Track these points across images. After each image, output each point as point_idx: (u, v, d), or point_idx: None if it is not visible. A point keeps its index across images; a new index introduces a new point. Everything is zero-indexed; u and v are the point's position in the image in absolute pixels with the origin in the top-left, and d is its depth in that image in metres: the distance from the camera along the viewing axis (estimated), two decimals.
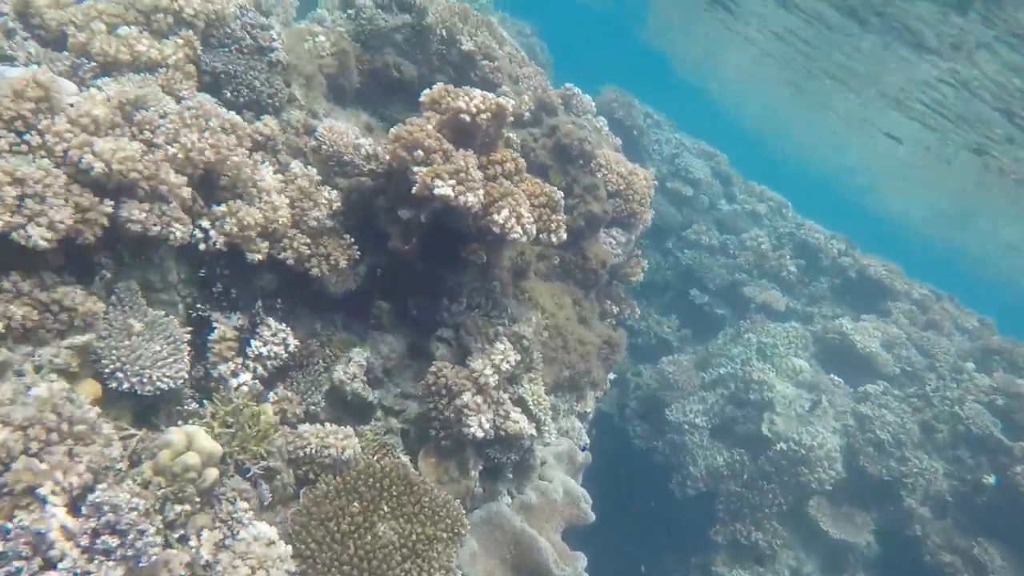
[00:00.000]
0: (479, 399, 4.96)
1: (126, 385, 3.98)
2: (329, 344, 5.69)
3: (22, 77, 4.04)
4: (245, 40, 6.28)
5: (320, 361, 5.57)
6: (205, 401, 4.58)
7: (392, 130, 5.17)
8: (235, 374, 4.96)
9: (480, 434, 4.95)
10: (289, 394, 5.11)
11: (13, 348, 3.57)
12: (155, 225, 4.21)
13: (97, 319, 4.02)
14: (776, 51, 21.39)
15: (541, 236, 5.10)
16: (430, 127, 4.97)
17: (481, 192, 4.78)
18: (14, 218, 3.48)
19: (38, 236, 3.53)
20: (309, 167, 5.44)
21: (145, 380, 4.06)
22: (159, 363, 4.17)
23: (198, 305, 4.94)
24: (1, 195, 3.44)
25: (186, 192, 4.44)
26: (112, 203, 4.05)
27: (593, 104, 10.15)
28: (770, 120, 37.48)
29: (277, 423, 4.68)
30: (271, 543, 3.72)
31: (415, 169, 4.82)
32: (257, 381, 5.04)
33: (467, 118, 4.96)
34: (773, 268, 15.07)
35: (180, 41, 5.56)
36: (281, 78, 6.47)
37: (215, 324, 4.94)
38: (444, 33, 8.45)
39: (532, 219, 4.93)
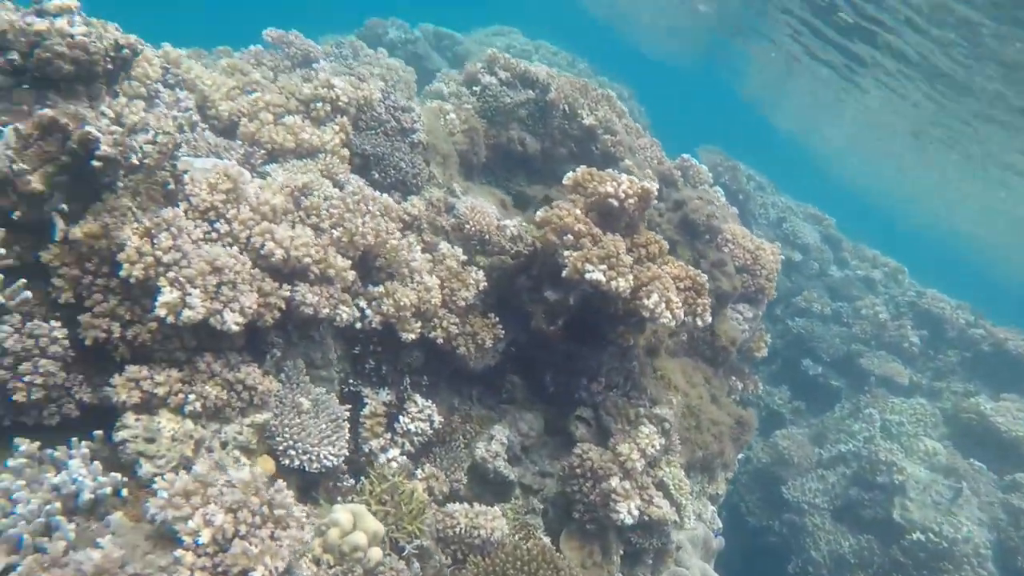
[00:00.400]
0: (627, 484, 4.92)
1: (297, 462, 4.14)
2: (469, 420, 5.78)
3: (215, 171, 4.35)
4: (390, 123, 6.59)
5: (461, 437, 5.66)
6: (362, 478, 4.70)
7: (539, 214, 5.30)
8: (384, 450, 5.09)
9: (629, 520, 4.90)
10: (435, 471, 5.19)
11: (206, 425, 3.77)
12: (325, 308, 4.41)
13: (271, 397, 4.21)
14: (896, 108, 20.89)
15: (686, 320, 5.08)
16: (577, 211, 5.07)
17: (631, 276, 4.82)
18: (213, 304, 3.71)
19: (232, 321, 3.75)
20: (455, 247, 5.61)
21: (313, 458, 4.21)
22: (324, 441, 4.32)
23: (350, 380, 5.12)
24: (204, 284, 3.67)
25: (351, 275, 4.64)
26: (288, 287, 4.27)
27: (710, 174, 10.16)
28: (880, 180, 36.41)
29: (429, 501, 4.75)
30: None
31: (566, 253, 4.91)
32: (405, 457, 5.16)
33: (615, 203, 5.05)
34: (893, 339, 14.46)
35: (336, 127, 5.88)
36: (421, 157, 6.75)
37: (366, 400, 5.10)
38: (566, 108, 8.65)
39: (679, 303, 4.94)
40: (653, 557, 5.53)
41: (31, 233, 3.61)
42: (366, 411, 5.03)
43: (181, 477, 3.04)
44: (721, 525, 6.64)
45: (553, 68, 9.57)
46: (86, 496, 3.14)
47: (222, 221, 4.26)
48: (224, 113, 6.04)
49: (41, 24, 3.42)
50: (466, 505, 4.93)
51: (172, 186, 4.22)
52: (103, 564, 2.69)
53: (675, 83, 47.57)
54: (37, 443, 3.34)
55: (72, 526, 3.03)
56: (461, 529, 4.77)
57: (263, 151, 5.57)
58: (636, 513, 4.93)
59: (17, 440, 3.34)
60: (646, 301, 4.82)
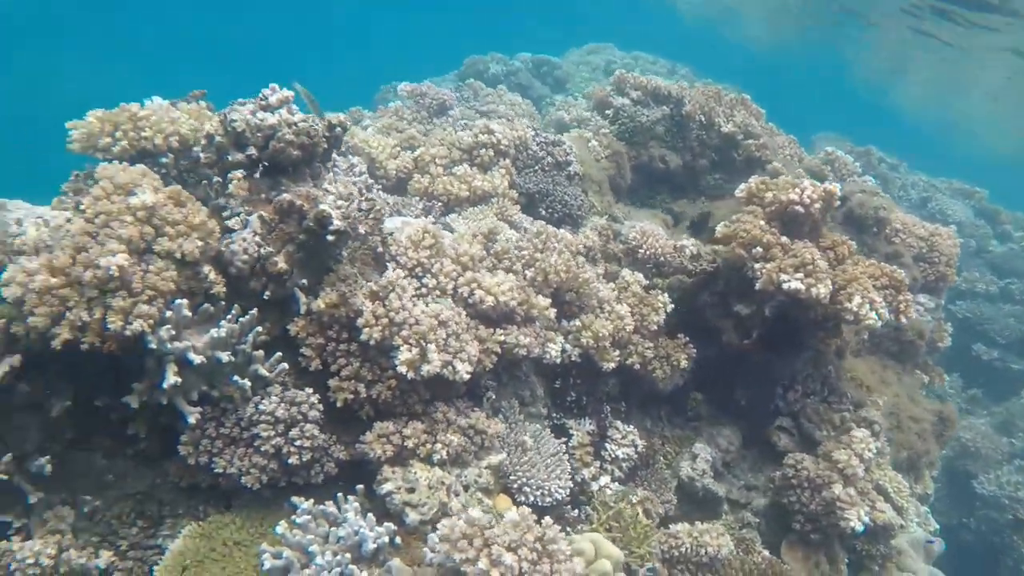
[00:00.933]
0: (851, 491, 4.82)
1: (532, 498, 4.29)
2: (668, 441, 5.82)
3: (416, 228, 4.61)
4: (546, 159, 6.78)
5: (662, 459, 5.70)
6: (586, 507, 4.81)
7: (721, 229, 5.32)
8: (596, 478, 5.19)
9: (860, 528, 4.80)
10: (648, 494, 5.24)
11: (449, 471, 3.97)
12: (536, 347, 4.57)
13: (497, 439, 4.39)
14: None
15: (890, 318, 4.96)
16: (762, 223, 5.06)
17: (828, 281, 4.76)
18: (445, 356, 3.93)
19: (463, 371, 3.95)
20: (636, 273, 5.69)
21: (545, 492, 4.35)
22: (552, 475, 4.46)
23: (552, 414, 5.26)
24: (436, 338, 3.90)
25: (551, 313, 4.79)
26: (502, 331, 4.46)
27: (857, 165, 9.85)
28: None
29: (654, 524, 4.80)
30: None
31: (757, 266, 4.90)
32: (616, 483, 5.24)
33: (800, 209, 5.01)
34: None
35: (502, 171, 6.10)
36: (579, 188, 6.89)
37: (572, 431, 5.21)
38: (702, 118, 8.60)
39: (882, 302, 4.83)
40: (879, 564, 5.37)
41: (276, 309, 3.95)
42: (573, 442, 5.14)
43: (459, 523, 3.22)
44: (937, 526, 6.36)
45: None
46: (370, 546, 3.37)
47: (428, 276, 4.50)
48: (392, 172, 6.39)
49: (272, 118, 3.77)
50: (687, 524, 4.95)
51: (380, 249, 4.52)
52: None
53: (780, 75, 46.16)
54: (311, 500, 3.63)
55: (365, 574, 3.27)
56: (687, 548, 4.80)
57: (439, 203, 5.85)
58: (866, 520, 4.82)
59: (295, 499, 3.64)
60: (849, 304, 4.74)
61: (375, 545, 3.40)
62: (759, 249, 4.93)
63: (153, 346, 3.21)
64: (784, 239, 4.96)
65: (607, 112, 9.01)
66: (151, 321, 3.16)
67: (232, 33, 48.21)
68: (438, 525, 3.35)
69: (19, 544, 3.33)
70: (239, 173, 3.81)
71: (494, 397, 4.69)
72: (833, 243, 5.17)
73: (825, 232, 5.32)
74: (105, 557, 3.55)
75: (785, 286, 4.74)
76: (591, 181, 7.19)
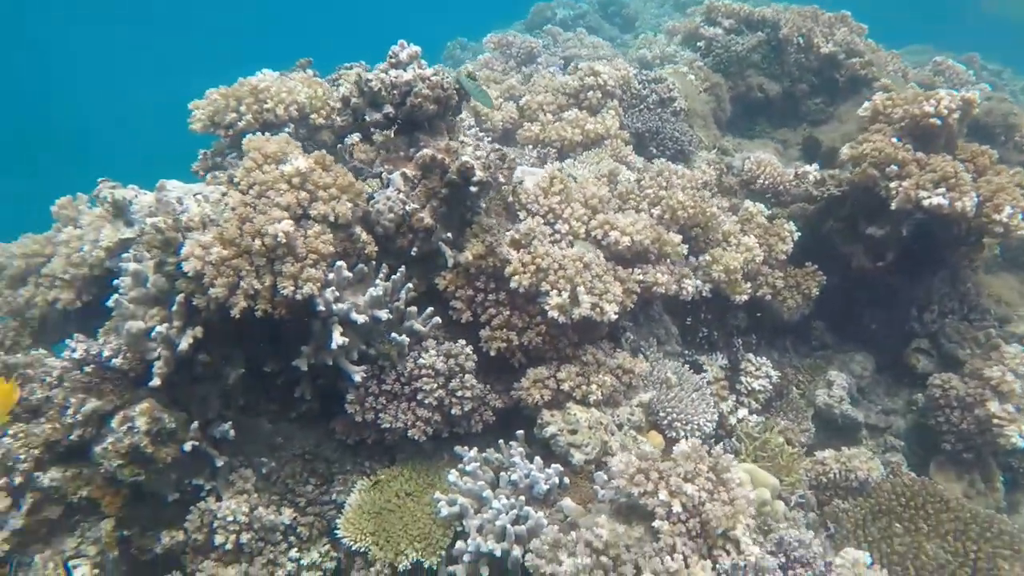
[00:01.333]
0: (1009, 407, 4.66)
1: (681, 433, 4.29)
2: (799, 370, 5.73)
3: (544, 175, 4.60)
4: (650, 96, 6.64)
5: (794, 388, 5.62)
6: (731, 440, 4.80)
7: (846, 151, 5.13)
8: (733, 411, 5.16)
9: (1020, 443, 4.65)
10: (788, 423, 5.19)
11: (604, 411, 4.01)
12: (673, 285, 4.54)
13: (641, 378, 4.39)
14: None
15: None
16: (893, 139, 4.84)
17: (972, 194, 4.54)
18: (591, 298, 3.92)
19: (611, 312, 3.95)
20: (757, 205, 5.55)
21: (694, 426, 4.35)
22: (699, 410, 4.45)
23: (684, 352, 5.23)
24: (583, 281, 3.90)
25: (683, 249, 4.73)
26: (639, 271, 4.44)
27: (970, 73, 9.33)
28: None
29: (800, 452, 4.76)
30: (866, 564, 3.74)
31: (892, 185, 4.72)
32: (753, 415, 5.20)
33: (936, 121, 4.78)
34: None
35: (612, 112, 6.00)
36: (685, 123, 6.74)
37: (705, 367, 5.18)
38: (800, 41, 8.27)
39: None
40: None
41: (420, 264, 4.01)
42: (708, 377, 5.11)
43: (632, 458, 3.25)
44: None
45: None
46: (543, 487, 3.44)
47: (560, 221, 4.49)
48: (498, 123, 6.37)
49: (407, 74, 3.78)
50: (833, 451, 4.89)
51: (511, 198, 4.52)
52: (611, 539, 2.94)
53: None
54: (474, 448, 3.72)
55: (540, 514, 3.35)
56: (835, 474, 4.74)
57: (553, 149, 5.81)
58: None
59: (458, 448, 3.74)
60: (997, 216, 4.53)
61: (547, 486, 3.47)
62: (893, 167, 4.73)
63: (321, 308, 3.31)
64: (919, 155, 4.75)
65: (698, 44, 8.76)
66: (318, 284, 3.26)
67: None
68: (611, 462, 3.39)
69: (217, 504, 3.52)
70: (377, 134, 3.85)
71: (632, 337, 4.69)
72: (972, 154, 4.92)
73: (961, 144, 5.07)
74: (287, 514, 3.73)
75: (925, 203, 4.55)
76: (696, 116, 7.03)
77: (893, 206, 4.74)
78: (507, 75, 8.31)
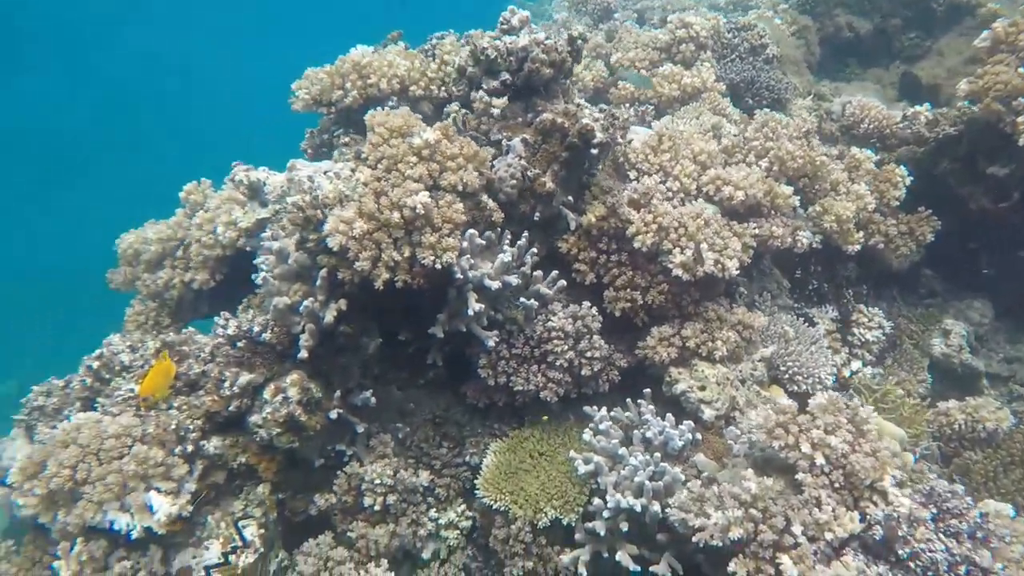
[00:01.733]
0: None
1: (804, 387, 4.28)
2: (911, 320, 5.62)
3: (652, 134, 4.57)
4: (741, 45, 6.48)
5: (906, 339, 5.52)
6: (850, 392, 4.76)
7: (965, 86, 4.94)
8: (846, 364, 5.11)
9: None
10: (905, 375, 5.12)
11: (728, 367, 4.02)
12: (788, 238, 4.49)
13: (760, 332, 4.38)
14: None
15: None
16: (1021, 70, 4.65)
17: None
18: (713, 254, 3.92)
19: (732, 267, 3.94)
20: (864, 150, 5.41)
21: (815, 379, 4.33)
22: (818, 363, 4.42)
23: (794, 304, 5.17)
24: (703, 237, 3.89)
25: (794, 200, 4.66)
26: (753, 224, 4.40)
27: None
28: None
29: (922, 404, 4.69)
30: (1010, 516, 3.70)
31: (1020, 120, 4.54)
32: (868, 367, 5.14)
33: None
34: None
35: (707, 65, 5.90)
36: (779, 70, 6.57)
37: (816, 320, 5.12)
38: None
39: None
40: None
41: (540, 228, 4.05)
42: (821, 330, 5.06)
43: (770, 412, 3.27)
44: None
45: None
46: (677, 443, 3.49)
47: (671, 179, 4.47)
48: (589, 84, 6.33)
49: (523, 40, 3.80)
50: (956, 401, 4.81)
51: (620, 158, 4.52)
52: (759, 491, 2.99)
53: None
54: (603, 408, 3.78)
55: (677, 470, 3.40)
56: (961, 425, 4.67)
57: (650, 106, 5.75)
58: None
59: (587, 408, 3.81)
60: None
61: (682, 442, 3.52)
62: (1021, 100, 4.54)
63: (458, 276, 3.40)
64: None
65: None
66: (455, 253, 3.34)
67: None
68: (746, 416, 3.42)
69: (362, 468, 3.69)
70: (497, 100, 3.89)
71: (745, 292, 4.67)
72: None
73: None
74: (424, 476, 3.87)
75: None
76: (788, 62, 6.85)
77: (1021, 142, 4.56)
78: (588, 30, 8.21)
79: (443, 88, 4.71)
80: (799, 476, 3.12)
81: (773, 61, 6.56)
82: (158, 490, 3.16)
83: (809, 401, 3.35)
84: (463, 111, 4.10)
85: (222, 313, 3.74)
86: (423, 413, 4.17)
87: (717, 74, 6.02)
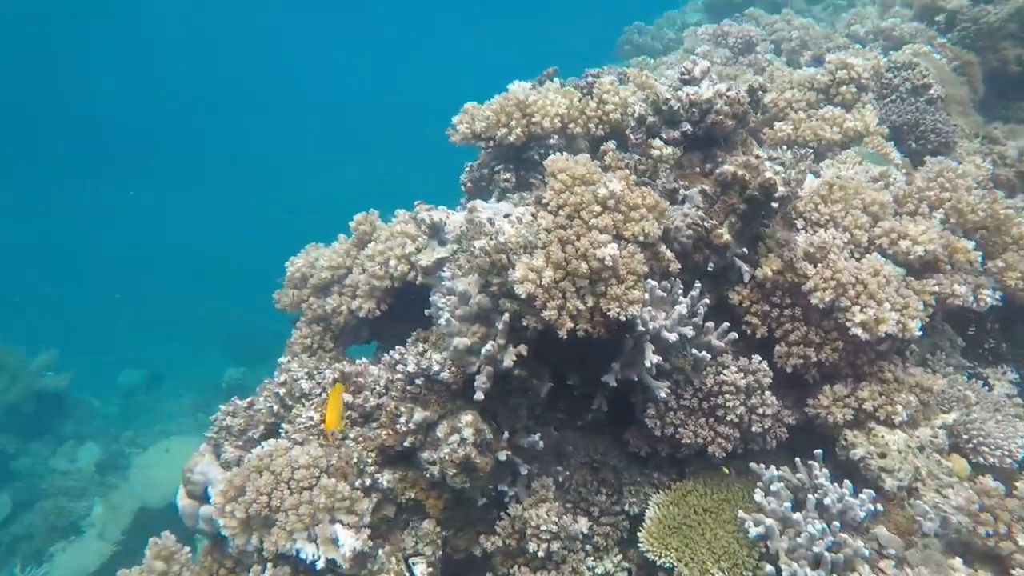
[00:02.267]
0: None
1: (991, 460, 4.03)
2: None
3: (821, 183, 4.44)
4: (903, 85, 6.23)
5: None
6: None
7: None
8: None
9: None
10: None
11: (907, 432, 3.83)
12: (970, 296, 4.26)
13: (937, 395, 4.16)
14: None
15: None
16: None
17: None
18: (895, 314, 3.75)
19: (913, 327, 3.76)
20: None
21: (1004, 452, 4.06)
22: (1007, 433, 4.15)
23: (967, 364, 4.89)
24: (885, 296, 3.73)
25: (975, 255, 4.43)
26: (933, 281, 4.19)
27: None
28: None
29: None
30: None
31: None
32: None
33: None
34: None
35: (869, 107, 5.70)
36: (944, 111, 6.28)
37: (991, 381, 4.83)
38: None
39: None
40: None
41: (710, 279, 3.98)
42: (1003, 393, 4.76)
43: (974, 494, 3.10)
44: None
45: None
46: (859, 513, 3.35)
47: (840, 229, 4.32)
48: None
49: (707, 92, 3.76)
50: None
51: (788, 208, 4.40)
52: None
53: None
54: (772, 467, 3.66)
55: (859, 543, 3.26)
56: None
57: (809, 150, 5.58)
58: None
59: (754, 466, 3.70)
60: None
61: (864, 513, 3.37)
62: None
63: (640, 328, 3.37)
64: None
65: (936, 19, 8.14)
66: (640, 305, 3.31)
67: None
68: (941, 494, 3.25)
69: (528, 512, 3.69)
70: (670, 149, 3.86)
71: (917, 350, 4.45)
72: None
73: None
74: (583, 523, 3.84)
75: None
76: (953, 101, 6.54)
77: None
78: (729, 66, 8.09)
79: (600, 127, 4.72)
80: (1016, 572, 2.92)
81: (937, 102, 6.27)
82: (342, 523, 3.25)
83: (1017, 484, 3.15)
84: (636, 157, 4.09)
85: (397, 348, 3.83)
86: (580, 456, 4.16)
87: (879, 116, 5.80)
